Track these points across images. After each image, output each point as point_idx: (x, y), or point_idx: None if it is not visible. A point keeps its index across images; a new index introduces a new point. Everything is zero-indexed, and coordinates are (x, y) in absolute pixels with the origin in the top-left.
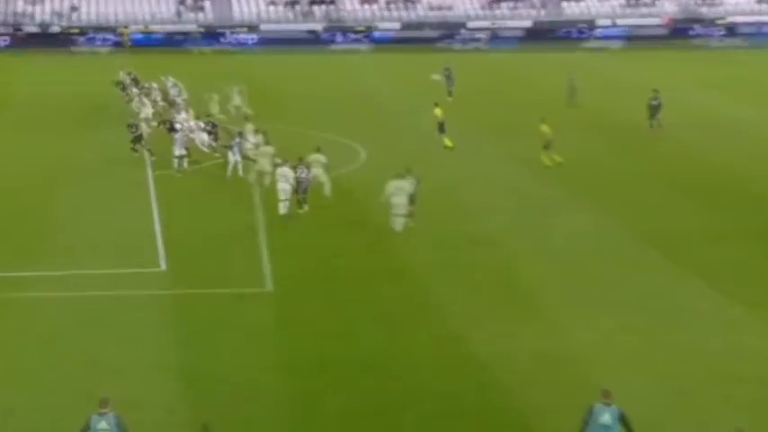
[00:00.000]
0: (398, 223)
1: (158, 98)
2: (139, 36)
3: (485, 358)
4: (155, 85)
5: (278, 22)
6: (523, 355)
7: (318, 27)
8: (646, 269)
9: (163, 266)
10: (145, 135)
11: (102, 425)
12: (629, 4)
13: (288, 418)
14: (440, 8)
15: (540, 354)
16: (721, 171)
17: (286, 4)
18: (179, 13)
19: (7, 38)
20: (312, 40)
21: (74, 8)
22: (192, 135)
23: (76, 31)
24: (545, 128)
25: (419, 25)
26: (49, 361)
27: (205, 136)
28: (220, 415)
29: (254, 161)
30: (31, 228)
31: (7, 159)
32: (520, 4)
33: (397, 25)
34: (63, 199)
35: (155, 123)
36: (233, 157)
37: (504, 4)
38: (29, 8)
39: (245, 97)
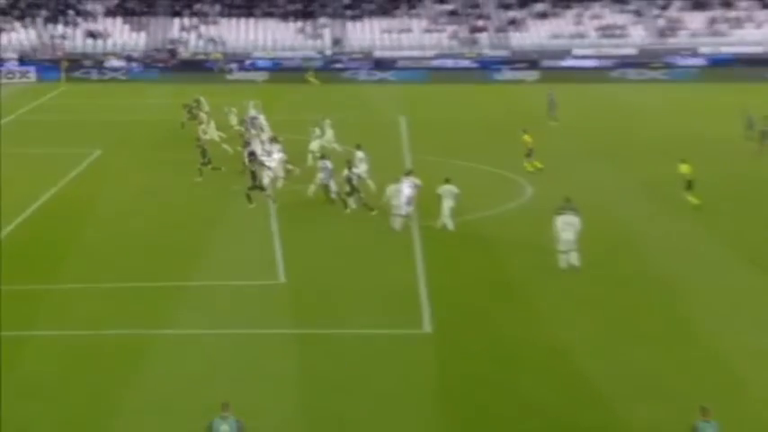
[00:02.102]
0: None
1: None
2: (408, 71)
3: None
4: (233, 109)
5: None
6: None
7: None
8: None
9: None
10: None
11: (224, 428)
12: None
13: None
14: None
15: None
16: None
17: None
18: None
19: (265, 72)
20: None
21: (337, 41)
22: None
23: (339, 65)
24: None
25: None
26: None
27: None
28: None
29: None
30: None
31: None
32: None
33: (699, 61)
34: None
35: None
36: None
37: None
38: (184, 36)
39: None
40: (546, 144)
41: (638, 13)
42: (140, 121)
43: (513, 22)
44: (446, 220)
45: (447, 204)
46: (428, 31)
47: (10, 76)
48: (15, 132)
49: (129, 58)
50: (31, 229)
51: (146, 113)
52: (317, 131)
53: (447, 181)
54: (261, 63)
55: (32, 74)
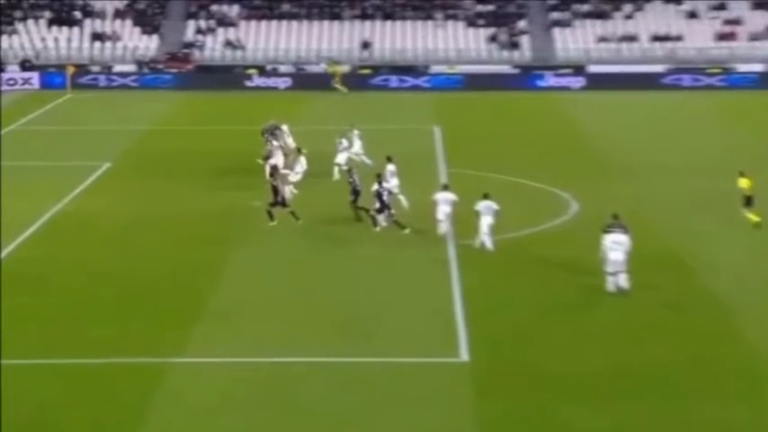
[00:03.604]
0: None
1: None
2: (442, 78)
3: None
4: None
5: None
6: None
7: (659, 68)
8: None
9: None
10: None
11: None
12: None
13: None
14: None
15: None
16: None
17: (621, 40)
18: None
19: (288, 79)
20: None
21: (366, 44)
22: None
23: (368, 71)
24: (745, 182)
25: None
26: None
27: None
28: None
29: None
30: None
31: None
32: None
33: (759, 67)
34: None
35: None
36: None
37: None
38: (313, 47)
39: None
40: (594, 157)
41: (692, 14)
42: (152, 132)
43: (557, 23)
44: (485, 238)
45: (485, 221)
46: (465, 33)
47: (11, 82)
48: (17, 143)
49: (139, 64)
50: (34, 247)
51: (158, 123)
52: (345, 143)
53: (485, 196)
54: (283, 68)
55: (35, 80)
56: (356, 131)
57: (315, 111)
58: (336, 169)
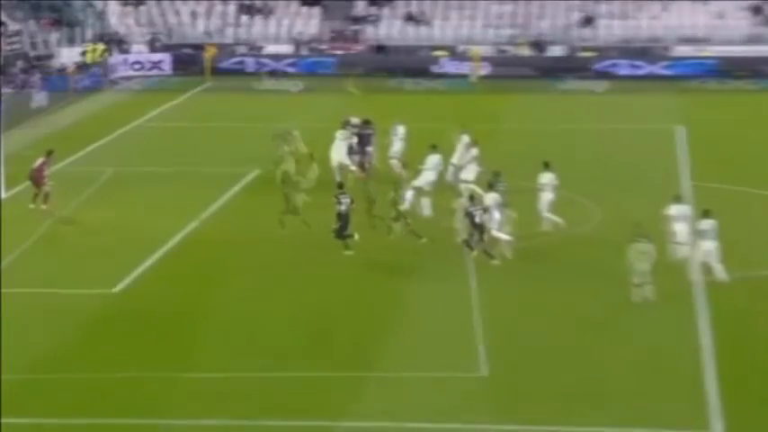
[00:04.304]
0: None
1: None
2: (458, 79)
3: None
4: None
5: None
6: None
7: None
8: None
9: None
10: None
11: None
12: None
13: None
14: None
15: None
16: None
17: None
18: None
19: (299, 81)
20: None
21: (380, 48)
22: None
23: (383, 74)
24: None
25: None
26: None
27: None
28: None
29: (303, 190)
30: None
31: None
32: None
33: None
34: None
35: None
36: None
37: None
38: (324, 48)
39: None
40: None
41: (720, 14)
42: (157, 134)
43: (579, 24)
44: (502, 247)
45: (504, 230)
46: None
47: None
48: (17, 148)
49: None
50: (36, 255)
51: (162, 124)
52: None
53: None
54: (292, 70)
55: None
56: (295, 131)
57: (326, 114)
58: (350, 176)
